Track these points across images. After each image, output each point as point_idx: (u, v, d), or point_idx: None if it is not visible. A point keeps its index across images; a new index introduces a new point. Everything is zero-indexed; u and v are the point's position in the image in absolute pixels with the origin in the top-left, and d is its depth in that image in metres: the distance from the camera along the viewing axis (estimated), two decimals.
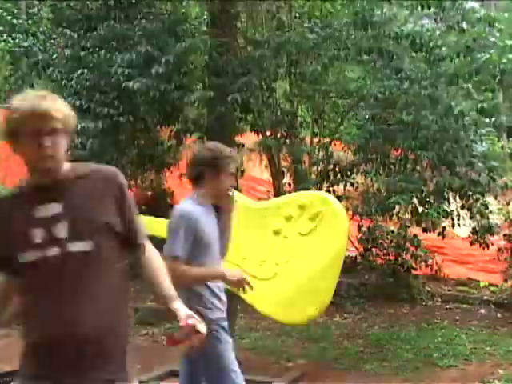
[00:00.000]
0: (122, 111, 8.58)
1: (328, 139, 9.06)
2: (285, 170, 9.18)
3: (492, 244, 8.70)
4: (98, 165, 2.78)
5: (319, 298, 5.37)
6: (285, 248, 5.49)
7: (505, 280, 8.68)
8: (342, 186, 8.97)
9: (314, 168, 9.07)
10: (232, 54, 8.90)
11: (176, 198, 10.96)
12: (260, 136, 9.34)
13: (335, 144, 9.12)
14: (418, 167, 8.48)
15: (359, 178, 8.99)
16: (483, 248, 8.73)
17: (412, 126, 8.17)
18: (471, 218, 8.63)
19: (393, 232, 8.85)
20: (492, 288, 9.16)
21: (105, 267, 2.52)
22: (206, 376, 3.90)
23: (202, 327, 2.62)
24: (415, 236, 8.71)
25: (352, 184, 8.94)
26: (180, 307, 2.67)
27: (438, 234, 8.46)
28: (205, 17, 10.28)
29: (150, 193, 10.71)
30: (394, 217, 8.58)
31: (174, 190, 10.89)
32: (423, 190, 8.23)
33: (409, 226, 8.68)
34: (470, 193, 8.53)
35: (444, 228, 8.43)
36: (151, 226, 5.52)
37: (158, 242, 3.18)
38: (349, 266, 8.67)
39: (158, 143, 9.98)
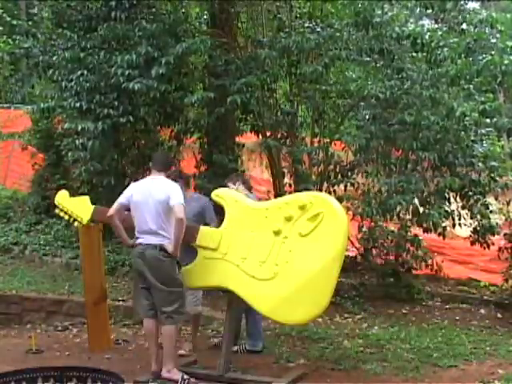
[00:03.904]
0: (123, 112, 8.58)
1: (328, 139, 9.08)
2: (285, 170, 9.19)
3: (493, 244, 8.71)
4: None
5: (319, 299, 5.38)
6: (285, 248, 5.50)
7: (505, 280, 8.68)
8: (342, 187, 8.98)
9: (315, 168, 9.09)
10: (232, 54, 8.92)
11: None
12: (260, 136, 9.36)
13: (335, 144, 9.13)
14: (419, 168, 8.49)
15: (360, 179, 9.00)
16: (484, 248, 8.75)
17: (413, 127, 8.19)
18: (472, 218, 8.65)
19: (393, 232, 8.86)
20: (492, 288, 9.16)
21: None
22: None
23: None
24: (416, 236, 8.71)
25: (352, 184, 8.95)
26: None
27: (439, 235, 8.47)
28: (205, 17, 10.29)
29: None
30: (395, 217, 8.58)
31: None
32: (424, 190, 8.24)
33: (410, 227, 8.69)
34: (471, 193, 8.55)
35: (444, 228, 8.44)
36: None
37: None
38: (349, 266, 8.68)
39: (158, 144, 9.98)
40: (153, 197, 5.61)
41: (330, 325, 7.70)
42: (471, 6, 8.86)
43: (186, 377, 5.56)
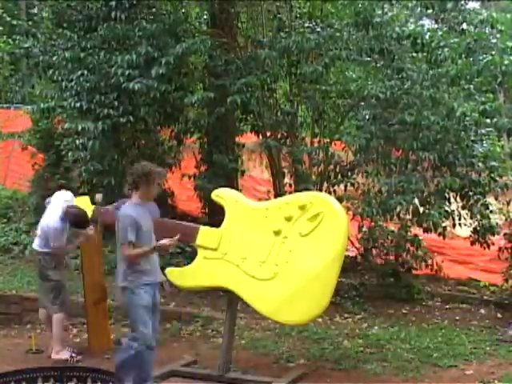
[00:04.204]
0: (123, 112, 8.58)
1: (328, 139, 9.07)
2: (285, 170, 9.19)
3: (493, 244, 8.70)
4: None
5: (319, 299, 5.38)
6: (285, 248, 5.50)
7: (505, 280, 8.67)
8: (342, 187, 8.97)
9: (315, 168, 9.08)
10: (232, 54, 8.92)
11: (177, 198, 10.97)
12: (260, 136, 9.36)
13: (335, 144, 9.13)
14: (419, 168, 8.49)
15: (360, 179, 9.00)
16: (484, 248, 8.74)
17: (413, 127, 8.18)
18: (472, 218, 8.64)
19: (393, 232, 8.86)
20: (492, 288, 9.15)
21: None
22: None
23: None
24: (416, 236, 8.71)
25: (353, 184, 8.95)
26: None
27: (439, 235, 8.47)
28: (205, 17, 10.29)
29: None
30: (395, 217, 8.58)
31: (175, 190, 10.90)
32: (424, 190, 8.24)
33: (410, 227, 8.69)
34: (471, 193, 8.54)
35: (444, 228, 8.44)
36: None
37: None
38: (349, 266, 8.68)
39: (158, 144, 9.98)
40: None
41: (330, 325, 7.70)
42: (471, 6, 8.84)
43: (73, 355, 6.39)
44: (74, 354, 6.42)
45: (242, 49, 9.34)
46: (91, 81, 8.52)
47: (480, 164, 8.48)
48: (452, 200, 8.64)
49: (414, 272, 8.98)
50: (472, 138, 8.51)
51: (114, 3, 8.76)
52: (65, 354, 6.41)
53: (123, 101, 8.61)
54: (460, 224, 8.77)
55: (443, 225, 8.37)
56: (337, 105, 9.34)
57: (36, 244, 6.68)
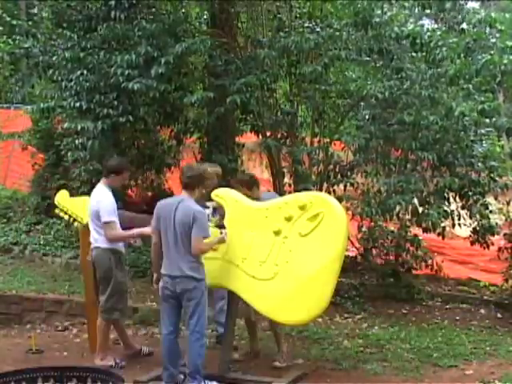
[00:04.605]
0: (122, 112, 8.58)
1: (328, 139, 9.08)
2: (285, 170, 9.20)
3: (492, 244, 8.71)
4: None
5: (319, 299, 5.38)
6: (285, 248, 5.50)
7: (505, 280, 8.68)
8: (342, 187, 8.98)
9: (314, 168, 9.09)
10: (232, 54, 8.92)
11: None
12: (260, 136, 9.37)
13: (335, 144, 9.13)
14: (419, 167, 8.49)
15: (359, 179, 9.01)
16: (484, 248, 8.74)
17: (412, 127, 8.19)
18: (471, 218, 8.65)
19: (393, 232, 8.86)
20: (492, 288, 9.16)
21: None
22: None
23: None
24: (415, 236, 8.72)
25: (352, 184, 8.95)
26: None
27: (438, 234, 8.48)
28: (205, 17, 10.29)
29: (150, 193, 10.72)
30: (395, 217, 8.59)
31: (175, 190, 10.90)
32: (423, 190, 8.24)
33: (409, 227, 8.69)
34: (470, 193, 8.55)
35: (444, 228, 8.45)
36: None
37: None
38: (349, 266, 8.68)
39: (158, 143, 9.99)
40: (91, 203, 6.22)
41: (330, 325, 7.70)
42: (471, 5, 8.87)
43: (118, 360, 6.15)
44: (118, 360, 6.15)
45: (241, 49, 9.34)
46: (91, 81, 8.52)
47: (479, 164, 8.48)
48: (451, 200, 8.64)
49: (414, 272, 8.98)
50: (471, 138, 8.52)
51: (113, 3, 8.75)
52: (109, 360, 6.13)
53: (123, 100, 8.61)
54: (460, 224, 8.77)
55: (442, 225, 8.38)
56: (337, 105, 9.34)
57: (101, 241, 6.13)
